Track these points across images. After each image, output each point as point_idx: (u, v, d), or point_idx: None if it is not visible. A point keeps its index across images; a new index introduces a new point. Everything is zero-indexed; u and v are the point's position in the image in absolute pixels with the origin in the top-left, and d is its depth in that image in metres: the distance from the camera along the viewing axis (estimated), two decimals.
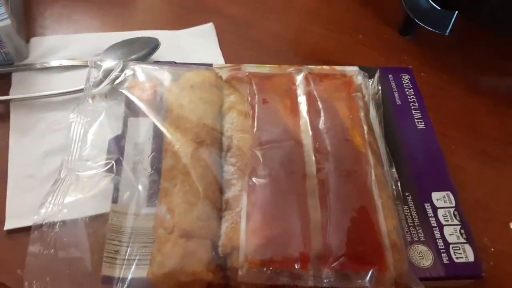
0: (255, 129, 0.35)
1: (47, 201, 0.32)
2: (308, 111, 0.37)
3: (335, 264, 0.29)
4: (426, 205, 0.36)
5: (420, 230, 0.35)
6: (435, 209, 0.36)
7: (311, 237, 0.30)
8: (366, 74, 0.40)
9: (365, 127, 0.36)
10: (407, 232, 0.34)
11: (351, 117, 0.36)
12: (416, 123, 0.41)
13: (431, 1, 0.48)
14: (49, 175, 0.36)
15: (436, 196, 0.36)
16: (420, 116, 0.41)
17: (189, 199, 0.32)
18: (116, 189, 0.33)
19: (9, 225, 0.35)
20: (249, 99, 0.37)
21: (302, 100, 0.37)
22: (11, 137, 0.39)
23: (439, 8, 0.48)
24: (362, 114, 0.37)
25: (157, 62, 0.43)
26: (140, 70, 0.39)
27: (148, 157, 0.35)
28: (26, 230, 0.32)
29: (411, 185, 0.37)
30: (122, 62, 0.39)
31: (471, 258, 0.33)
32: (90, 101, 0.37)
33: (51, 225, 0.31)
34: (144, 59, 0.43)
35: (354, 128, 0.36)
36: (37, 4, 0.49)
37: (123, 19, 0.50)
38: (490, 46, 0.53)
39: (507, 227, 0.39)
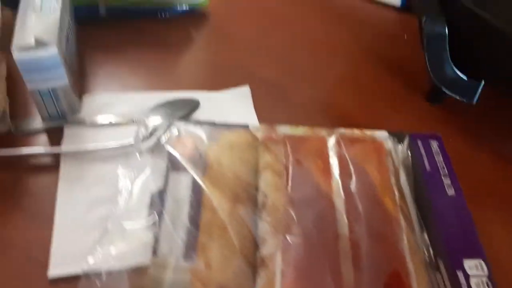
0: (289, 188, 0.37)
1: (95, 250, 0.33)
2: (340, 173, 0.38)
3: None
4: (458, 272, 0.36)
5: None
6: (467, 276, 0.36)
7: None
8: (395, 139, 0.42)
9: (396, 192, 0.37)
10: None
11: (382, 181, 0.38)
12: (446, 189, 0.42)
13: (457, 71, 0.50)
14: (94, 225, 0.37)
15: (468, 263, 0.36)
16: (450, 182, 0.42)
17: (225, 253, 0.33)
18: (157, 241, 0.34)
19: (53, 272, 0.35)
20: (284, 159, 0.39)
21: (334, 162, 0.39)
22: (59, 186, 0.41)
23: (465, 78, 0.50)
24: (393, 178, 0.38)
25: (198, 121, 0.45)
26: (183, 128, 0.42)
27: (187, 211, 0.36)
28: (68, 279, 0.34)
29: (442, 252, 0.37)
30: (167, 121, 0.42)
31: None
32: (138, 156, 0.40)
33: (98, 274, 0.32)
34: (185, 117, 0.46)
35: (385, 192, 0.37)
36: (90, 63, 0.54)
37: (166, 80, 0.54)
38: None
39: None
